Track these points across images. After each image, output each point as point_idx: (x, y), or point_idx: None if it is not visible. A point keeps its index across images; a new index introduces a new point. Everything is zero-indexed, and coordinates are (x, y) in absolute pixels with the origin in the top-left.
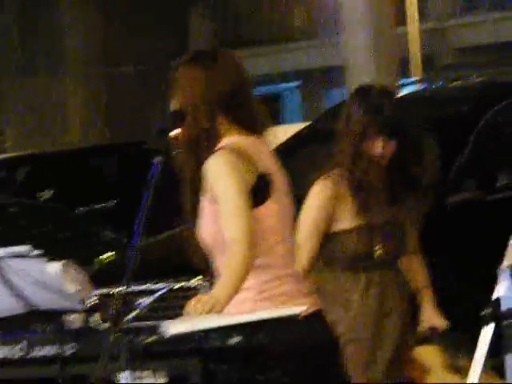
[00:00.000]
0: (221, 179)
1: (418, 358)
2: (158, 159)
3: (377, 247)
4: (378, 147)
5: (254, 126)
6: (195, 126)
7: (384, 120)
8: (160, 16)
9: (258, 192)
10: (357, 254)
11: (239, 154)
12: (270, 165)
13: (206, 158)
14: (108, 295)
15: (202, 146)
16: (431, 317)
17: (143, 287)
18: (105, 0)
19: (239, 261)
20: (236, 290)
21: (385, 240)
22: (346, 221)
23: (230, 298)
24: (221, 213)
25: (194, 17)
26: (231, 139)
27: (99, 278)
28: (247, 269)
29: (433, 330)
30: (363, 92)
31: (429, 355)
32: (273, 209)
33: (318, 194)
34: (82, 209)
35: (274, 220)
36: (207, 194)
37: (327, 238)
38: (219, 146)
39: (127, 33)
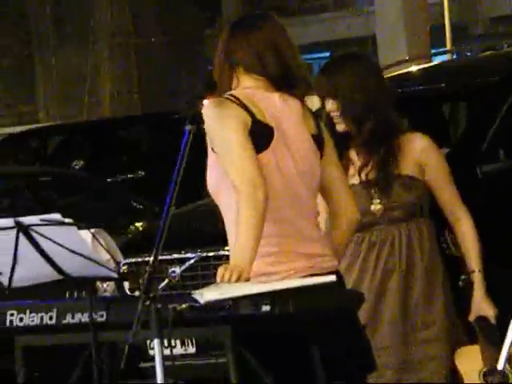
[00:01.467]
0: (213, 131)
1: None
2: (189, 127)
3: (375, 202)
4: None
5: (281, 84)
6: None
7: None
8: None
9: (254, 138)
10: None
11: (233, 100)
12: (280, 119)
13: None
14: (139, 263)
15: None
16: (479, 306)
17: (175, 256)
18: None
19: (248, 213)
20: (255, 244)
21: (383, 195)
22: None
23: (252, 257)
24: (223, 163)
25: None
26: (238, 89)
27: (132, 246)
28: (259, 217)
29: (480, 321)
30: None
31: (468, 358)
32: (268, 162)
33: None
34: (113, 178)
35: (270, 174)
36: (210, 144)
37: None
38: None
39: (156, 4)
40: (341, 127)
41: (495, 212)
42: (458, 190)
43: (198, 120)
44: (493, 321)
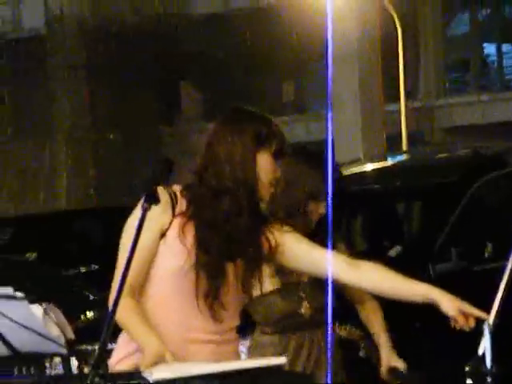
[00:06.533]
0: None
1: None
2: (145, 205)
3: (303, 305)
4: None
5: None
6: None
7: None
8: (149, 84)
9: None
10: (283, 315)
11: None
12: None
13: None
14: (90, 352)
15: None
16: (390, 358)
17: None
18: (93, 71)
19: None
20: (141, 334)
21: (311, 297)
22: (269, 282)
23: (147, 342)
24: None
25: (184, 85)
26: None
27: (83, 335)
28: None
29: (393, 371)
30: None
31: None
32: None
33: None
34: (66, 271)
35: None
36: None
37: (258, 302)
38: None
39: (114, 100)
40: None
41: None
42: None
43: (155, 198)
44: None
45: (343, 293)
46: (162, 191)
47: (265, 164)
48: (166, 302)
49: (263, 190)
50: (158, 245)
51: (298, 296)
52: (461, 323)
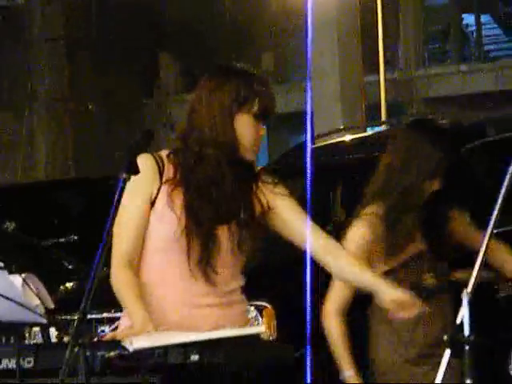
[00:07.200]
0: None
1: None
2: (124, 176)
3: (427, 275)
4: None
5: None
6: None
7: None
8: (128, 56)
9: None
10: (408, 288)
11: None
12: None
13: None
14: (69, 322)
15: None
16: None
17: (104, 315)
18: (72, 43)
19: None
20: (130, 307)
21: (433, 266)
22: (389, 260)
23: (134, 316)
24: None
25: (162, 56)
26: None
27: (62, 306)
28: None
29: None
30: (432, 127)
31: None
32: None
33: (355, 242)
34: (45, 241)
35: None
36: None
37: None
38: None
39: (93, 72)
40: None
41: None
42: None
43: (134, 169)
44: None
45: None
46: (148, 158)
47: (244, 126)
48: (164, 271)
49: (246, 154)
50: (150, 213)
51: (420, 268)
52: (396, 315)
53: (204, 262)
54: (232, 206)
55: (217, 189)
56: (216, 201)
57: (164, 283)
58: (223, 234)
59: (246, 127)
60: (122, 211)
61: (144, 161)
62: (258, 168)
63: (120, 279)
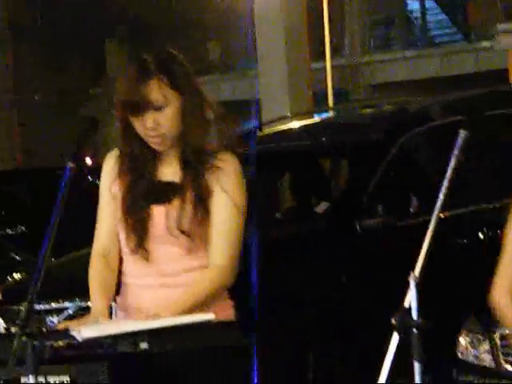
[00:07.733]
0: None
1: None
2: (70, 165)
3: None
4: None
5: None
6: None
7: None
8: (75, 47)
9: None
10: None
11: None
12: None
13: None
14: (17, 312)
15: None
16: None
17: (53, 306)
18: (17, 32)
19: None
20: (91, 297)
21: None
22: None
23: (92, 307)
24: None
25: (110, 44)
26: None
27: (9, 297)
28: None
29: None
30: None
31: None
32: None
33: None
34: None
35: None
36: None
37: None
38: None
39: (39, 62)
40: None
41: (372, 265)
42: (338, 243)
43: (80, 157)
44: None
45: None
46: (110, 156)
47: (136, 125)
48: (125, 258)
49: (152, 144)
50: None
51: None
52: None
53: (137, 243)
54: (169, 187)
55: (147, 177)
56: (151, 181)
57: (125, 271)
58: (159, 213)
59: (136, 126)
60: (100, 203)
61: (108, 159)
62: (209, 153)
63: (92, 269)
